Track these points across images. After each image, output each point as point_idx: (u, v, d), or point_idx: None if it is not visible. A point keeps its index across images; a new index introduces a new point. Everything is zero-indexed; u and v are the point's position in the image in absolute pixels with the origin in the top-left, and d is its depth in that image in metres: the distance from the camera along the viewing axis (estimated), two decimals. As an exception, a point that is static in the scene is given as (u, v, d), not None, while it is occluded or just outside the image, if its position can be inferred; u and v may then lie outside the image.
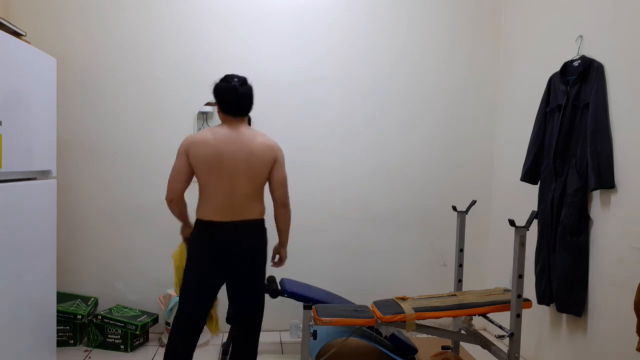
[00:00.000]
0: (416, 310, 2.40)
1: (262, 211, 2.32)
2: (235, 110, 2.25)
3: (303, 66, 3.45)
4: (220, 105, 2.26)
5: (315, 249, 3.53)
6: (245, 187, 2.21)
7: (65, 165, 3.23)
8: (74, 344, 3.12)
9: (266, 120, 3.40)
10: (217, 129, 2.26)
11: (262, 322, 2.43)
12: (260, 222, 2.31)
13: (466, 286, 3.23)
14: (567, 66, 2.69)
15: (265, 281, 3.00)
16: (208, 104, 3.30)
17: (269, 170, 2.27)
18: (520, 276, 2.26)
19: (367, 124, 3.55)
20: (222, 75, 2.30)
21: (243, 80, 2.25)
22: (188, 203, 2.36)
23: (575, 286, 2.55)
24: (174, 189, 2.25)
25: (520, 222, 2.27)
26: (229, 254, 2.23)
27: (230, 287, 2.35)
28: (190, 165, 2.22)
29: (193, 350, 2.31)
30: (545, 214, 2.74)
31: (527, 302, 2.37)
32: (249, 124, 2.91)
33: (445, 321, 2.81)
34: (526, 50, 3.27)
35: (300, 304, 2.50)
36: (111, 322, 3.09)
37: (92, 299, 3.28)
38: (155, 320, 3.27)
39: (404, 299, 2.58)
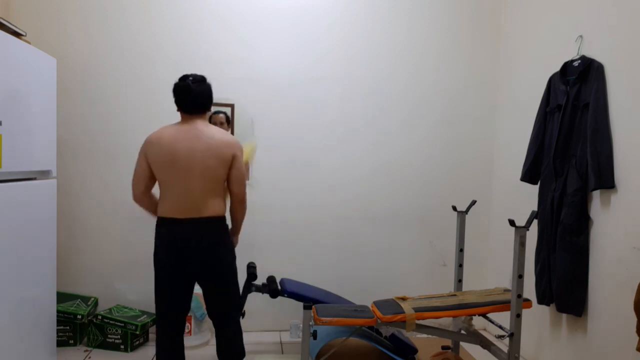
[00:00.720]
0: (416, 310, 2.40)
1: (223, 209, 2.30)
2: (190, 108, 2.27)
3: (303, 66, 3.45)
4: (176, 103, 2.29)
5: (315, 249, 3.53)
6: (202, 184, 2.20)
7: (65, 165, 3.23)
8: (74, 344, 3.12)
9: (266, 120, 3.41)
10: (173, 127, 2.28)
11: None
12: (220, 219, 2.28)
13: (466, 286, 3.23)
14: (567, 66, 2.69)
15: (266, 281, 3.01)
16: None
17: (228, 166, 2.26)
18: (520, 276, 2.26)
19: (367, 124, 3.55)
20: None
21: (199, 79, 2.26)
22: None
23: (575, 286, 2.55)
24: (136, 193, 2.32)
25: (520, 222, 2.27)
26: (189, 251, 2.22)
27: (201, 285, 2.34)
28: (149, 165, 2.25)
29: (181, 344, 2.35)
30: (545, 214, 2.74)
31: (527, 302, 2.37)
32: (228, 122, 2.93)
33: (445, 321, 2.81)
34: (526, 50, 3.27)
35: (300, 304, 2.50)
36: (111, 322, 3.09)
37: (92, 299, 3.28)
38: (155, 320, 3.26)
39: (404, 299, 2.58)
